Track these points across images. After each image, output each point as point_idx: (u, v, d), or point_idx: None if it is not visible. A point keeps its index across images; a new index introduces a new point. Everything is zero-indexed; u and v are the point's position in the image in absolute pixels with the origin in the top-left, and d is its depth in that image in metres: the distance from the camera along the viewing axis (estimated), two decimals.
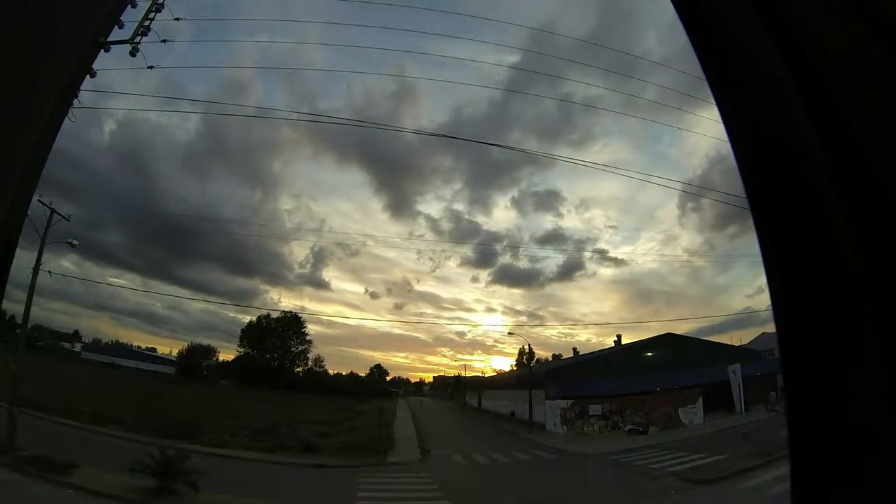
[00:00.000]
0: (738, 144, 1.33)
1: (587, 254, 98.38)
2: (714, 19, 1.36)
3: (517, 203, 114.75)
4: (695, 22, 1.43)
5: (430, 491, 17.67)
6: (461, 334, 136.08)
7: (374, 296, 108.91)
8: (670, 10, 1.52)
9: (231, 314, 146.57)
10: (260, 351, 68.23)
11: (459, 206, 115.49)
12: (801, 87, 1.12)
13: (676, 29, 1.52)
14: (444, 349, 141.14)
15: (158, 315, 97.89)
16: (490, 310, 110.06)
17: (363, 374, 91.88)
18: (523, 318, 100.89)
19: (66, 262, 61.00)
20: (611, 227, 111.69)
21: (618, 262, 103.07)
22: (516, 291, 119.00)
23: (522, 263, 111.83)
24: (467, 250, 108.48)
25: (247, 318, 70.26)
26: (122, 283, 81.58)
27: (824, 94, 1.09)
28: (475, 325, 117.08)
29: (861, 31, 1.02)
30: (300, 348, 70.24)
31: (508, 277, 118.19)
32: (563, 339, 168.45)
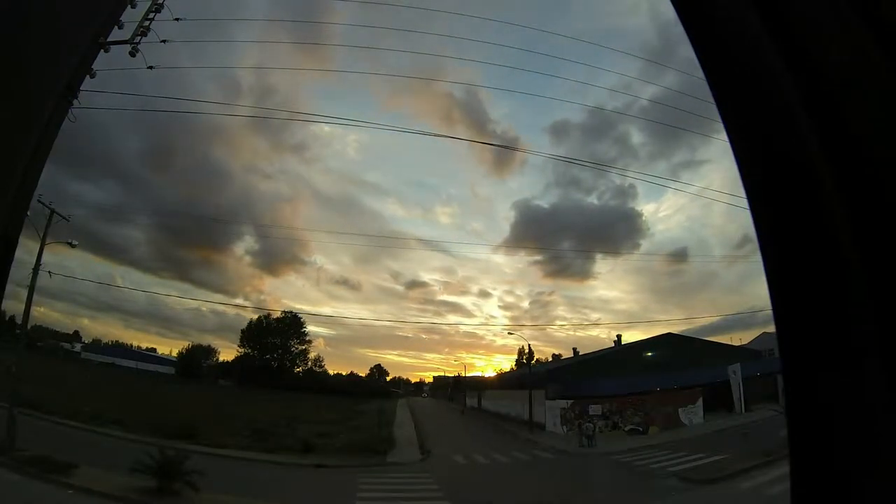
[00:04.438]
0: (738, 144, 1.33)
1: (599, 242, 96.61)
2: (714, 19, 1.36)
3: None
4: (695, 22, 1.43)
5: (430, 491, 17.67)
6: (461, 332, 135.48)
7: (367, 289, 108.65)
8: None
9: (241, 313, 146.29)
10: (260, 351, 68.21)
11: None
12: (801, 87, 1.12)
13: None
14: (444, 348, 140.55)
15: (166, 315, 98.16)
16: (485, 293, 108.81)
17: (363, 374, 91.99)
18: (525, 306, 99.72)
19: (73, 262, 61.03)
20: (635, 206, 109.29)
21: (637, 249, 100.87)
22: (519, 284, 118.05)
23: (529, 254, 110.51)
24: (467, 247, 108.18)
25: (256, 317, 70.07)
26: (123, 283, 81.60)
27: (825, 95, 1.09)
28: (474, 324, 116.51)
29: (861, 31, 1.02)
30: (300, 348, 70.29)
31: (513, 270, 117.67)
32: (572, 335, 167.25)
